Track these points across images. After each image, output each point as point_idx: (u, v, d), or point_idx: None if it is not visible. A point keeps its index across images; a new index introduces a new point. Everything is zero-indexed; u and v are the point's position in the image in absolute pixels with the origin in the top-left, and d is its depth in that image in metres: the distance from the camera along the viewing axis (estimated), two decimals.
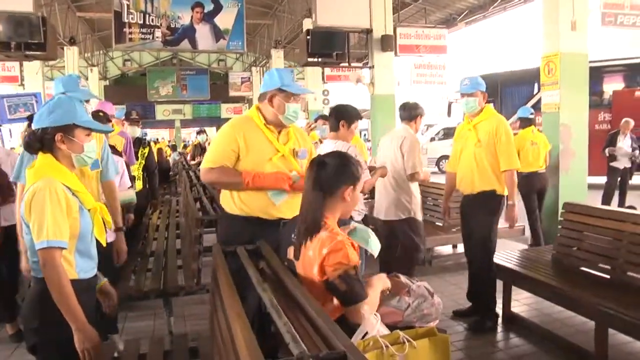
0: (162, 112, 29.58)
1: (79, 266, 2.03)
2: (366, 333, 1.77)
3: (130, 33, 11.47)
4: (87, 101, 3.11)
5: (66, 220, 1.95)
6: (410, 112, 4.27)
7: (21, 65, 12.14)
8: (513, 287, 4.01)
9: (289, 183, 2.73)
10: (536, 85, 11.23)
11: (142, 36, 11.58)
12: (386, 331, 1.81)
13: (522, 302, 4.31)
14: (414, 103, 4.36)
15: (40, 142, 2.05)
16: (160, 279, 3.91)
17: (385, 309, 2.28)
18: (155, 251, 4.70)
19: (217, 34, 11.99)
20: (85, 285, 2.05)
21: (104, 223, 2.19)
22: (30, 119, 3.67)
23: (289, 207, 2.76)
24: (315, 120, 6.13)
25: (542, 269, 3.82)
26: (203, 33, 11.89)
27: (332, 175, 2.07)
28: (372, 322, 1.78)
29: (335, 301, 1.95)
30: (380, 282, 2.15)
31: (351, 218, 3.83)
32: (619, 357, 3.31)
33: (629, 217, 3.58)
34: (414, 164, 4.07)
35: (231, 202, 2.83)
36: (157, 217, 6.50)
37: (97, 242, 2.17)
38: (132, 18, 11.41)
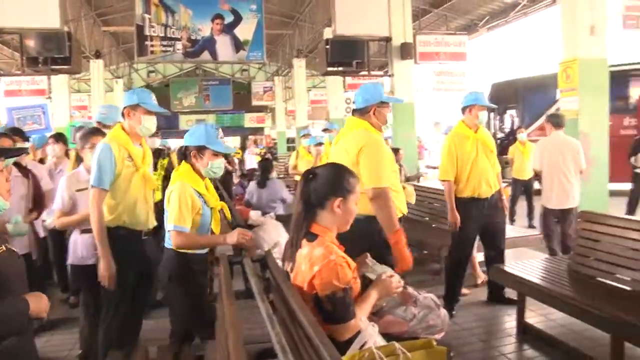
0: (185, 122, 29.99)
1: None
2: (365, 343, 1.79)
3: (152, 46, 11.68)
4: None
5: (190, 213, 2.76)
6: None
7: (49, 78, 12.46)
8: (529, 298, 3.96)
9: None
10: (558, 91, 11.10)
11: (164, 48, 11.78)
12: (383, 342, 1.81)
13: (538, 313, 4.25)
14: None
15: (183, 154, 2.93)
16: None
17: (391, 319, 2.29)
18: None
19: (237, 44, 12.13)
20: (200, 259, 2.91)
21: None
22: None
23: None
24: None
25: (557, 279, 3.76)
26: (223, 44, 12.04)
27: (320, 186, 2.08)
28: (370, 332, 1.79)
29: None
30: (378, 290, 2.13)
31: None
32: None
33: None
34: None
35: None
36: None
37: None
38: (153, 31, 11.63)
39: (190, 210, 2.76)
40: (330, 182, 2.09)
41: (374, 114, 3.16)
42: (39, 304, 1.77)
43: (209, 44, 11.95)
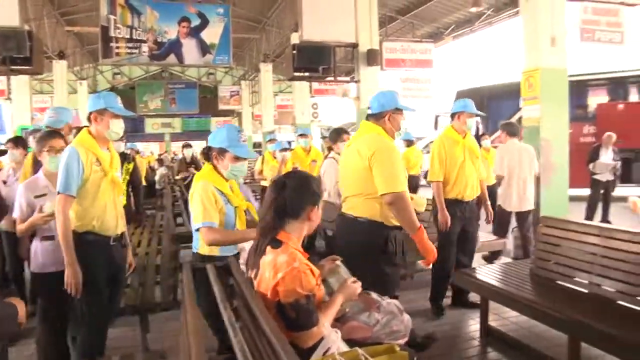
0: (151, 125, 29.59)
1: (221, 248, 2.84)
2: (328, 349, 1.78)
3: (117, 47, 11.49)
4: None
5: (215, 209, 2.77)
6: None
7: (8, 79, 12.07)
8: (492, 302, 4.02)
9: None
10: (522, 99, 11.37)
11: (129, 50, 11.60)
12: (347, 348, 1.81)
13: (501, 316, 4.33)
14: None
15: (206, 155, 2.96)
16: (138, 295, 3.88)
17: (354, 324, 2.30)
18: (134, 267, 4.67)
19: (204, 48, 12.06)
20: (224, 261, 2.72)
21: None
22: None
23: None
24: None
25: (519, 283, 3.84)
26: (189, 47, 11.96)
27: (295, 197, 2.08)
28: (333, 338, 1.79)
29: None
30: (344, 295, 2.16)
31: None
32: None
33: (603, 231, 3.62)
34: None
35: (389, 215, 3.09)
36: (140, 232, 6.47)
37: None
38: (119, 33, 11.44)
39: (214, 205, 2.78)
40: (304, 192, 2.11)
41: (388, 119, 3.23)
42: (21, 310, 1.77)
43: (175, 46, 11.85)
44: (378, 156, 3.04)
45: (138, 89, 27.38)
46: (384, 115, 3.22)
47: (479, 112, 4.64)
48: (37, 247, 3.25)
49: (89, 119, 3.12)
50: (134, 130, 27.61)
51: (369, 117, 3.32)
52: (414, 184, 10.02)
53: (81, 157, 2.91)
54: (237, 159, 2.87)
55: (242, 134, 2.93)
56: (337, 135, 5.19)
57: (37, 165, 3.48)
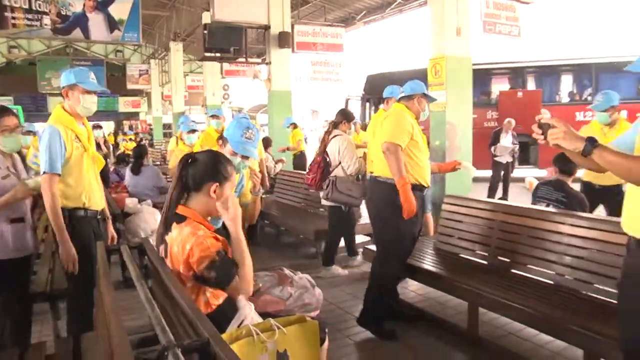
0: (55, 104, 27.73)
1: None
2: (242, 321, 1.86)
3: (14, 18, 10.60)
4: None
5: None
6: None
7: None
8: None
9: None
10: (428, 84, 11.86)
11: (28, 22, 10.74)
12: (260, 319, 1.90)
13: (409, 289, 4.61)
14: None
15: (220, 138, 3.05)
16: (47, 282, 3.72)
17: (268, 298, 2.40)
18: (42, 253, 4.45)
19: (112, 24, 11.47)
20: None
21: None
22: None
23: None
24: None
25: (425, 257, 4.11)
26: (96, 22, 11.30)
27: (199, 171, 2.14)
28: (247, 311, 1.87)
29: (208, 293, 2.01)
30: (232, 220, 2.13)
31: None
32: (488, 331, 3.67)
33: (499, 207, 3.97)
34: None
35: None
36: (47, 216, 6.14)
37: None
38: (15, 2, 10.55)
39: None
40: (209, 167, 2.15)
41: (417, 101, 3.79)
42: None
43: (81, 21, 11.14)
44: (388, 118, 3.74)
45: (39, 65, 25.41)
46: (413, 97, 3.79)
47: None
48: (4, 231, 2.93)
49: (62, 95, 3.16)
50: (36, 109, 25.83)
51: (401, 98, 3.88)
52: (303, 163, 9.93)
53: (62, 135, 2.95)
54: (235, 153, 2.81)
55: (250, 131, 2.85)
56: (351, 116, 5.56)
57: None
